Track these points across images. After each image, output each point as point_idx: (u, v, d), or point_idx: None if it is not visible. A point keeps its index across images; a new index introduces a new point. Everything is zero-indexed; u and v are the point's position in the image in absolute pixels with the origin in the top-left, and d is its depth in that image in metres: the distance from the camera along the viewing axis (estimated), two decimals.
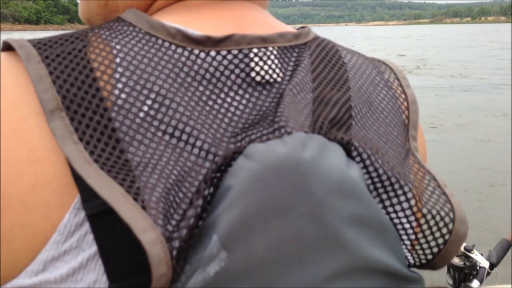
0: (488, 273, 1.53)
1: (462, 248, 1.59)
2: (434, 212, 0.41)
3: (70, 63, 0.36)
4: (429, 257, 0.41)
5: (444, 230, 0.40)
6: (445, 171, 4.96)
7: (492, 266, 1.51)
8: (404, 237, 0.40)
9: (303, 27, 0.49)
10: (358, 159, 0.40)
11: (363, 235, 0.35)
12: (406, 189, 0.40)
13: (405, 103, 0.49)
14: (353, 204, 0.35)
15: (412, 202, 0.40)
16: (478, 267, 1.55)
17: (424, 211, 0.41)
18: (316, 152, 0.35)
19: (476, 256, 1.54)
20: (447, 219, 0.41)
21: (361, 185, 0.36)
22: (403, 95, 0.49)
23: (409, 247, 0.41)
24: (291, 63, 0.43)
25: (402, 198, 0.40)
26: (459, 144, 6.08)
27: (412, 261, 0.41)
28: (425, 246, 0.41)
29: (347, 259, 0.34)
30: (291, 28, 0.48)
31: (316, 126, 0.39)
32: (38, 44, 0.37)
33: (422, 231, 0.40)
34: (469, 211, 3.88)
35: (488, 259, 1.53)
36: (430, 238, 0.40)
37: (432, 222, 0.41)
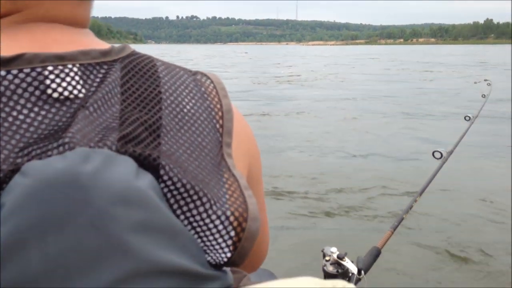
0: (358, 279, 1.62)
1: (335, 256, 1.68)
2: (228, 213, 0.42)
3: None
4: (228, 254, 0.42)
5: (238, 229, 0.43)
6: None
7: (360, 271, 1.61)
8: (204, 238, 0.42)
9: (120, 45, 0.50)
10: (152, 169, 0.41)
11: (151, 240, 0.36)
12: (201, 194, 0.42)
13: (220, 113, 0.51)
14: (139, 212, 0.36)
15: (207, 205, 0.42)
16: (350, 274, 1.64)
17: (219, 212, 0.42)
18: (99, 165, 0.36)
19: (347, 263, 1.63)
20: (240, 219, 0.43)
21: (149, 194, 0.38)
22: (218, 105, 0.52)
23: (216, 246, 0.42)
24: (97, 79, 0.44)
25: (198, 202, 0.42)
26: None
27: (217, 260, 0.42)
28: (223, 245, 0.42)
29: (132, 264, 0.35)
30: (104, 45, 0.49)
31: (108, 140, 0.40)
32: None
33: (218, 231, 0.42)
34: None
35: (357, 265, 1.63)
36: (226, 237, 0.42)
37: (226, 222, 0.42)
